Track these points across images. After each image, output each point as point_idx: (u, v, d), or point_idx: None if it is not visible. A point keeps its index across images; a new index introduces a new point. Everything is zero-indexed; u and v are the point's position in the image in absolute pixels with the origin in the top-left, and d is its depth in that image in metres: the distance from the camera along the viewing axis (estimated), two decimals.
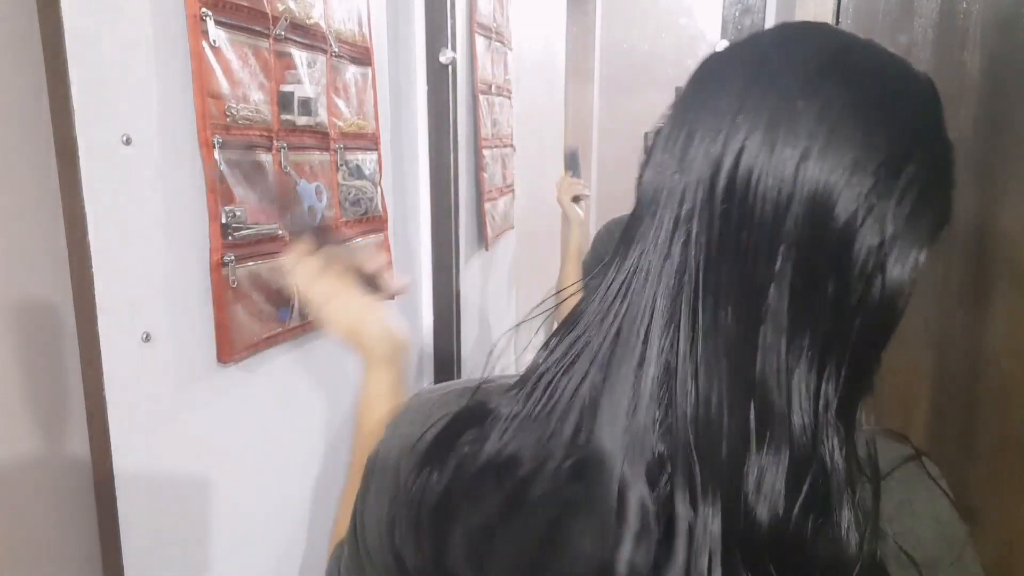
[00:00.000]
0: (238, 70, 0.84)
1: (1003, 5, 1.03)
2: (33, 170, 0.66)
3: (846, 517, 0.41)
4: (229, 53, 0.82)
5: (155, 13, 0.73)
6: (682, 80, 0.50)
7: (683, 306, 0.41)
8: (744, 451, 0.40)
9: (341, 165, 1.08)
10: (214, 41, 0.79)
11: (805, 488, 0.40)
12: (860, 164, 0.40)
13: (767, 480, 0.40)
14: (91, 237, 0.67)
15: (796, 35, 0.46)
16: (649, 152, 0.46)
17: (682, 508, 0.40)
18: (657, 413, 0.41)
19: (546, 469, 0.43)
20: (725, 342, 0.41)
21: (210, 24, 0.79)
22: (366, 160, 1.16)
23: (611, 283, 0.44)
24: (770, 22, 1.32)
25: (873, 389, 0.44)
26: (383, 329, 0.74)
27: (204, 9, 0.78)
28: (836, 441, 0.41)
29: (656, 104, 0.54)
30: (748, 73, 0.44)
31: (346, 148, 1.09)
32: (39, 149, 0.66)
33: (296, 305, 0.95)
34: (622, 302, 0.43)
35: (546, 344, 0.47)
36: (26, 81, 0.65)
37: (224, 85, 0.81)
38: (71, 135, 0.65)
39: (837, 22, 1.13)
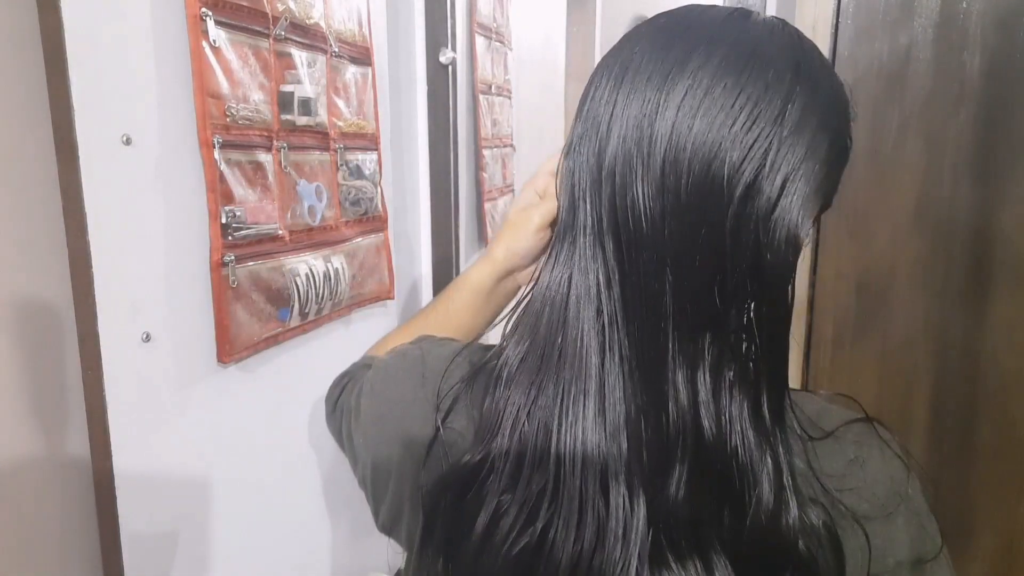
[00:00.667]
0: (238, 70, 0.84)
1: (1003, 5, 1.03)
2: (33, 170, 0.66)
3: (766, 495, 0.42)
4: (229, 53, 0.82)
5: (155, 13, 0.73)
6: None
7: (606, 325, 0.43)
8: (664, 457, 0.42)
9: (341, 165, 1.08)
10: (214, 41, 0.79)
11: (718, 486, 0.42)
12: (741, 116, 0.40)
13: (685, 482, 0.42)
14: (91, 237, 0.67)
15: (655, 26, 0.48)
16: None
17: (617, 507, 0.42)
18: (601, 423, 0.43)
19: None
20: (638, 355, 0.42)
21: (210, 24, 0.79)
22: (366, 160, 1.16)
23: (550, 289, 0.47)
24: None
25: (786, 383, 0.45)
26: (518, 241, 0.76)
27: (204, 9, 0.78)
28: (747, 427, 0.42)
29: None
30: (620, 66, 0.46)
31: (346, 148, 1.09)
32: (39, 149, 0.66)
33: (296, 305, 0.95)
34: (563, 312, 0.45)
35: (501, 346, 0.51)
36: (26, 81, 0.65)
37: (224, 85, 0.81)
38: (71, 135, 0.65)
39: (837, 22, 1.13)
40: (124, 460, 0.71)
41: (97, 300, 0.68)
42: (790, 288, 0.44)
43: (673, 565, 0.42)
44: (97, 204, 0.67)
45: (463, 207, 1.58)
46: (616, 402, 0.43)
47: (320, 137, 1.02)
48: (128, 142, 0.71)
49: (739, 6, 0.49)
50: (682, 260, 0.41)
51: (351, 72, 1.11)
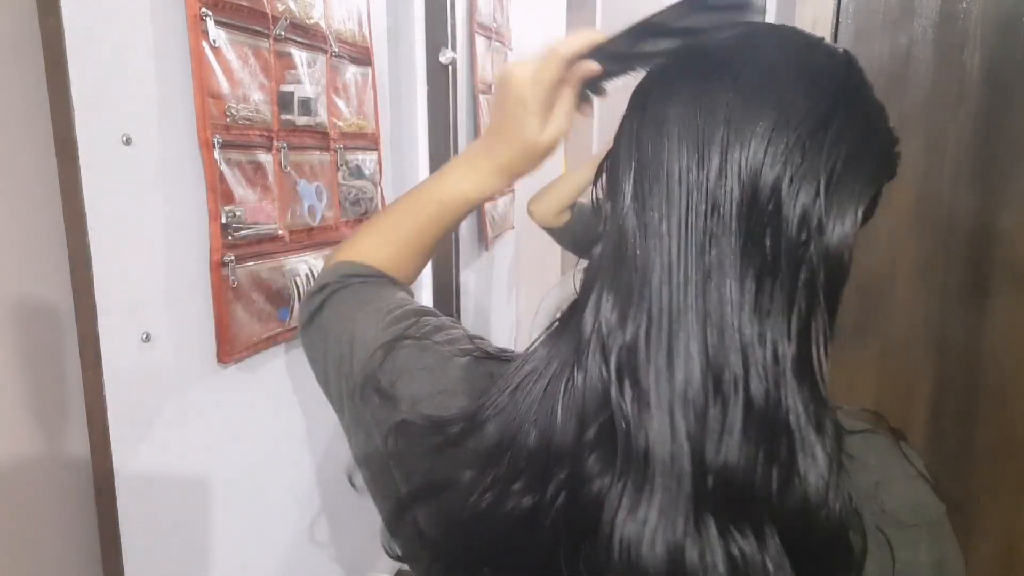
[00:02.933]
0: (238, 70, 0.84)
1: (1003, 5, 1.03)
2: (33, 170, 0.66)
3: (813, 471, 0.43)
4: (229, 53, 0.82)
5: (155, 13, 0.73)
6: None
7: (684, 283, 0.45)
8: (705, 408, 0.43)
9: (341, 165, 1.08)
10: (214, 41, 0.79)
11: (765, 444, 0.43)
12: (779, 129, 0.44)
13: (728, 436, 0.43)
14: (91, 237, 0.67)
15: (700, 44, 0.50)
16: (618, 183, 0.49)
17: (659, 457, 0.44)
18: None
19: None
20: (697, 315, 0.45)
21: (210, 24, 0.79)
22: (366, 160, 1.16)
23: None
24: (770, 22, 1.32)
25: (828, 350, 0.46)
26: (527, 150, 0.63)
27: (204, 9, 0.78)
28: (798, 399, 0.43)
29: None
30: (688, 87, 0.48)
31: (346, 148, 1.09)
32: (39, 149, 0.66)
33: (296, 305, 0.95)
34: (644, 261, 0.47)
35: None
36: (26, 81, 0.65)
37: (224, 85, 0.81)
38: (71, 135, 0.65)
39: (837, 22, 1.13)
40: (124, 460, 0.71)
41: (97, 300, 0.68)
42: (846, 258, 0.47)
43: (725, 530, 0.42)
44: (97, 204, 0.67)
45: None
46: (689, 357, 0.44)
47: (320, 137, 1.02)
48: (128, 142, 0.71)
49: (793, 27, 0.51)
50: (741, 221, 0.44)
51: (351, 72, 1.11)
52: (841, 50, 0.50)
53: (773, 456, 0.43)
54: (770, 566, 0.42)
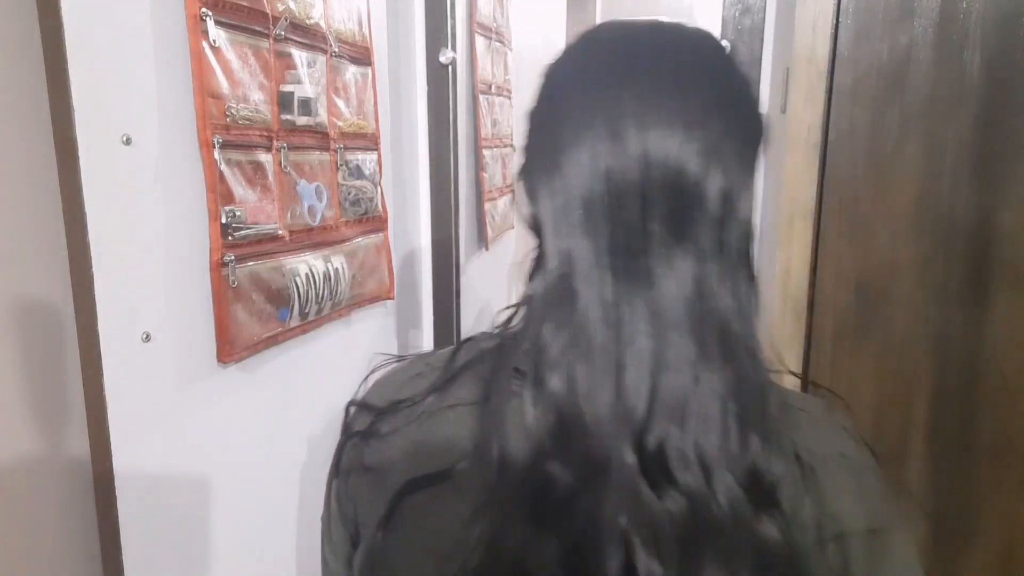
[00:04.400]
0: (238, 70, 0.84)
1: (1003, 5, 1.03)
2: (33, 170, 0.66)
3: (756, 430, 0.47)
4: (229, 53, 0.82)
5: (155, 13, 0.73)
6: None
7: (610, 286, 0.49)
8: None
9: (341, 165, 1.08)
10: (214, 41, 0.79)
11: (720, 407, 0.47)
12: (689, 128, 0.48)
13: (684, 405, 0.47)
14: (91, 237, 0.67)
15: (597, 40, 0.55)
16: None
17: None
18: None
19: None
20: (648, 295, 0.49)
21: (210, 24, 0.79)
22: (366, 160, 1.16)
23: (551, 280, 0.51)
24: (770, 22, 1.32)
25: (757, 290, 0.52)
26: None
27: (204, 9, 0.78)
28: (746, 360, 0.48)
29: None
30: (580, 85, 0.52)
31: (346, 148, 1.09)
32: (39, 149, 0.66)
33: (296, 305, 0.95)
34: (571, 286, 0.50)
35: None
36: (26, 81, 0.65)
37: (224, 85, 0.81)
38: (71, 135, 0.65)
39: (837, 22, 1.13)
40: (124, 460, 0.71)
41: (97, 300, 0.68)
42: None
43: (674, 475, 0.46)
44: (97, 204, 0.67)
45: (463, 207, 1.58)
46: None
47: (320, 137, 1.02)
48: (128, 142, 0.71)
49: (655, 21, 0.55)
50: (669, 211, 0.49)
51: (351, 72, 1.11)
52: (708, 33, 0.55)
53: (725, 421, 0.47)
54: (723, 500, 0.46)
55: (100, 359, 0.68)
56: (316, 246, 1.01)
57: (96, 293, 0.68)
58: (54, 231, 0.68)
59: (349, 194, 1.10)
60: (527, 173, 0.54)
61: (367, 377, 0.62)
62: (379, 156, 1.20)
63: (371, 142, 1.18)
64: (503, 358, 0.53)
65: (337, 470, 0.61)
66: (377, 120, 1.20)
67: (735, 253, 0.50)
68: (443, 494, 0.51)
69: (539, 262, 0.53)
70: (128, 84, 0.71)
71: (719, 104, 0.50)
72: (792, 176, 1.20)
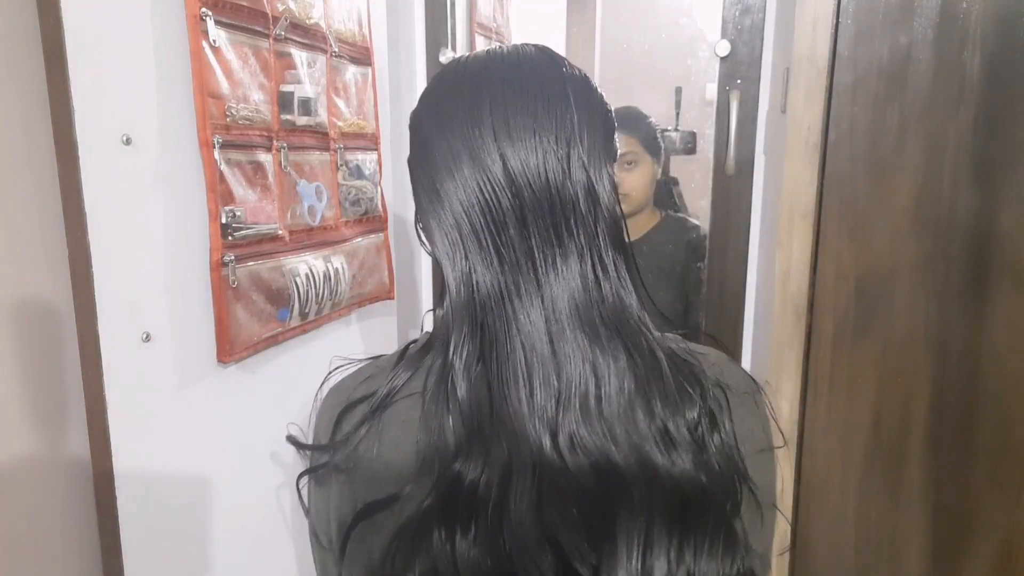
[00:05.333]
0: (238, 70, 0.84)
1: (1003, 5, 1.03)
2: (33, 170, 0.66)
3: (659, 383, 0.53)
4: (229, 53, 0.82)
5: (155, 13, 0.73)
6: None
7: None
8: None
9: (341, 165, 1.08)
10: (214, 41, 0.79)
11: (624, 360, 0.53)
12: (542, 136, 0.53)
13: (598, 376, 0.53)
14: (91, 237, 0.67)
15: (444, 80, 0.60)
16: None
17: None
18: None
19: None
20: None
21: (210, 24, 0.79)
22: (366, 160, 1.16)
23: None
24: (770, 22, 1.32)
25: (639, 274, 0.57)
26: None
27: (204, 9, 0.78)
28: (642, 327, 0.54)
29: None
30: (438, 123, 0.56)
31: (346, 148, 1.09)
32: (39, 149, 0.66)
33: (296, 305, 0.95)
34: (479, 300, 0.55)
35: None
36: (26, 81, 0.65)
37: (224, 85, 0.81)
38: (71, 135, 0.65)
39: (837, 22, 1.13)
40: (124, 460, 0.71)
41: (97, 300, 0.68)
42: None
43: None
44: (97, 204, 0.67)
45: None
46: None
47: (320, 137, 1.02)
48: (128, 142, 0.71)
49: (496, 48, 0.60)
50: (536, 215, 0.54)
51: (351, 72, 1.11)
52: (541, 47, 0.59)
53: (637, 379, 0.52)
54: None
55: (100, 359, 0.68)
56: (316, 246, 1.01)
57: (96, 293, 0.68)
58: (54, 231, 0.68)
59: (349, 194, 1.10)
60: (419, 215, 0.60)
61: (324, 382, 0.67)
62: (379, 156, 1.20)
63: (371, 142, 1.18)
64: (429, 374, 0.56)
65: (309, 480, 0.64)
66: (377, 120, 1.20)
67: (609, 240, 0.54)
68: (388, 514, 0.54)
69: (443, 289, 0.58)
70: (128, 84, 0.71)
71: (564, 108, 0.54)
72: (792, 176, 1.20)
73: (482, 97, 0.54)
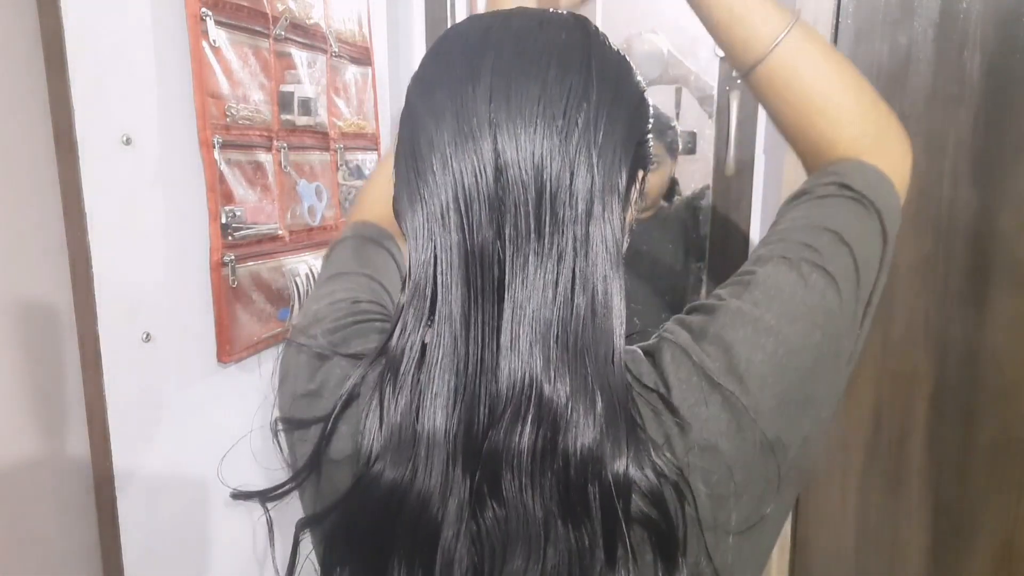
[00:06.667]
0: (238, 70, 0.84)
1: (1003, 5, 1.03)
2: (33, 170, 0.66)
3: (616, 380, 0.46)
4: (229, 53, 0.82)
5: (155, 13, 0.73)
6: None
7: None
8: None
9: (341, 165, 1.08)
10: (214, 41, 0.79)
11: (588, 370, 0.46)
12: (549, 122, 0.44)
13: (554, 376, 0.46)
14: (91, 237, 0.67)
15: (448, 38, 0.50)
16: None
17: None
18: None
19: None
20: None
21: (210, 24, 0.79)
22: (366, 160, 1.16)
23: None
24: None
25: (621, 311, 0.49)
26: None
27: (204, 9, 0.78)
28: (613, 316, 0.46)
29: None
30: (429, 91, 0.48)
31: (346, 148, 1.09)
32: (39, 149, 0.66)
33: (296, 305, 0.95)
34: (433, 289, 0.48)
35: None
36: (26, 81, 0.65)
37: (224, 85, 0.81)
38: (71, 135, 0.65)
39: (837, 22, 1.13)
40: (124, 460, 0.71)
41: (97, 300, 0.68)
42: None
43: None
44: (97, 204, 0.67)
45: None
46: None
47: (320, 137, 1.02)
48: (128, 142, 0.71)
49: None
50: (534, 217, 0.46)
51: (351, 72, 1.11)
52: (577, 16, 0.50)
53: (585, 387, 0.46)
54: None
55: (100, 359, 0.68)
56: (316, 246, 1.01)
57: (96, 293, 0.68)
58: (54, 231, 0.68)
59: (349, 194, 1.10)
60: (396, 195, 0.51)
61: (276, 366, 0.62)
62: (379, 156, 1.20)
63: (371, 142, 1.18)
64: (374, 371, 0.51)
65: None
66: (377, 120, 1.20)
67: (601, 252, 0.47)
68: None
69: (409, 273, 0.50)
70: (128, 84, 0.71)
71: (585, 93, 0.46)
72: (792, 176, 1.20)
73: (487, 50, 0.46)
